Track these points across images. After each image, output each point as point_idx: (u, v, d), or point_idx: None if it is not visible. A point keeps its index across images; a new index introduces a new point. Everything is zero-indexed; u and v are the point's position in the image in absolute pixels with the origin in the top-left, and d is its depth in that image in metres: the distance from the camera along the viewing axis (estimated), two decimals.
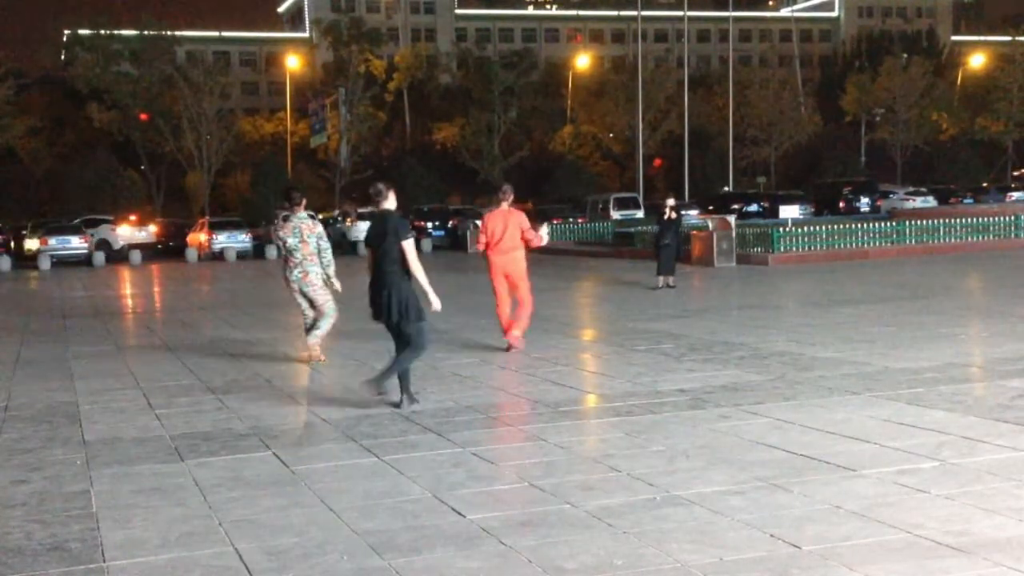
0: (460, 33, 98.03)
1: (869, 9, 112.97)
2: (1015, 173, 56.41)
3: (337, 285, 10.59)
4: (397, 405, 8.00)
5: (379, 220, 7.99)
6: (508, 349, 11.00)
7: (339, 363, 10.61)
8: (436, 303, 8.12)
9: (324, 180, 65.73)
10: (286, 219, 10.57)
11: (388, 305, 7.79)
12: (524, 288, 11.18)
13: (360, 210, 45.12)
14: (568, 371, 9.68)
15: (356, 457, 6.56)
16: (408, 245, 7.86)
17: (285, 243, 10.45)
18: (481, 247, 11.20)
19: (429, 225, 41.77)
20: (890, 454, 6.15)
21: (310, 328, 10.68)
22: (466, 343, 11.66)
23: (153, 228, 45.66)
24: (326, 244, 10.63)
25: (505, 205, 11.05)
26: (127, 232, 43.11)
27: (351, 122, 62.46)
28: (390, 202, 8.01)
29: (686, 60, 57.16)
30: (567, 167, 66.00)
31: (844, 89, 73.26)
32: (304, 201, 10.66)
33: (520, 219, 11.09)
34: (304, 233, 10.41)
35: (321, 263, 10.50)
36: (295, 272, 10.47)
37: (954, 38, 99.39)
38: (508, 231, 10.94)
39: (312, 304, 10.57)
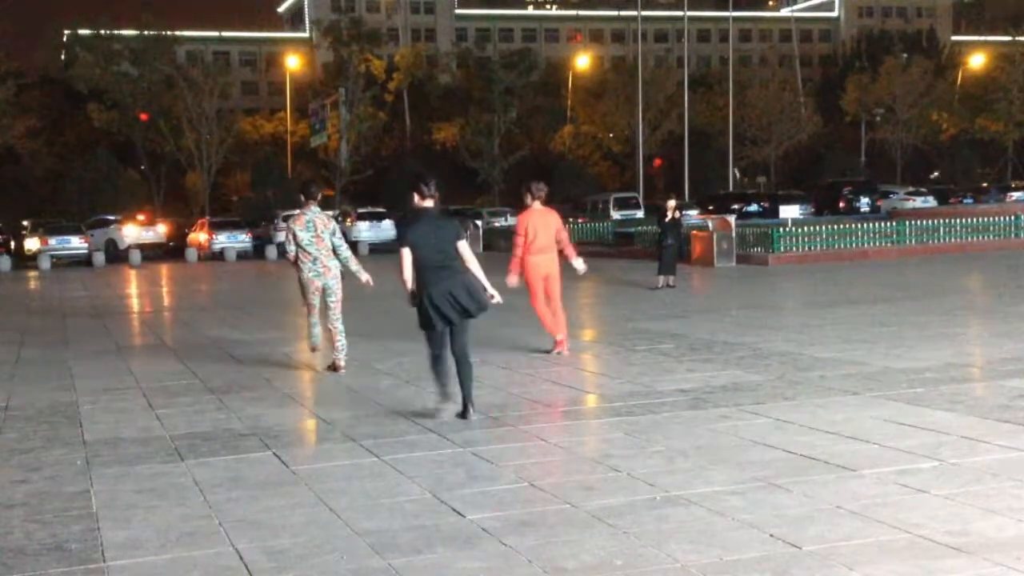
0: (460, 33, 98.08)
1: (869, 9, 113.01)
2: (1013, 185, 56.36)
3: (365, 277, 9.94)
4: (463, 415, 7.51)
5: (431, 217, 7.37)
6: (556, 351, 10.65)
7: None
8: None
9: (324, 180, 65.71)
10: (298, 213, 10.04)
11: (465, 304, 7.26)
12: (559, 291, 10.81)
13: (360, 210, 45.15)
14: (568, 371, 9.68)
15: (356, 457, 6.56)
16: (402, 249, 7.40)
17: (296, 236, 9.85)
18: (521, 252, 10.50)
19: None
20: (890, 454, 6.15)
21: (315, 334, 10.26)
22: None
23: (163, 228, 45.48)
24: (340, 239, 10.09)
25: (538, 204, 10.57)
26: (134, 232, 42.96)
27: (351, 122, 62.42)
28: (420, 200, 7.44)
29: (686, 60, 57.17)
30: (567, 167, 65.97)
31: (844, 89, 73.23)
32: (320, 196, 10.15)
33: (557, 219, 10.78)
34: (318, 228, 9.89)
35: (339, 259, 10.01)
36: (315, 267, 9.92)
37: (954, 38, 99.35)
38: (547, 231, 10.54)
39: (326, 300, 10.04)
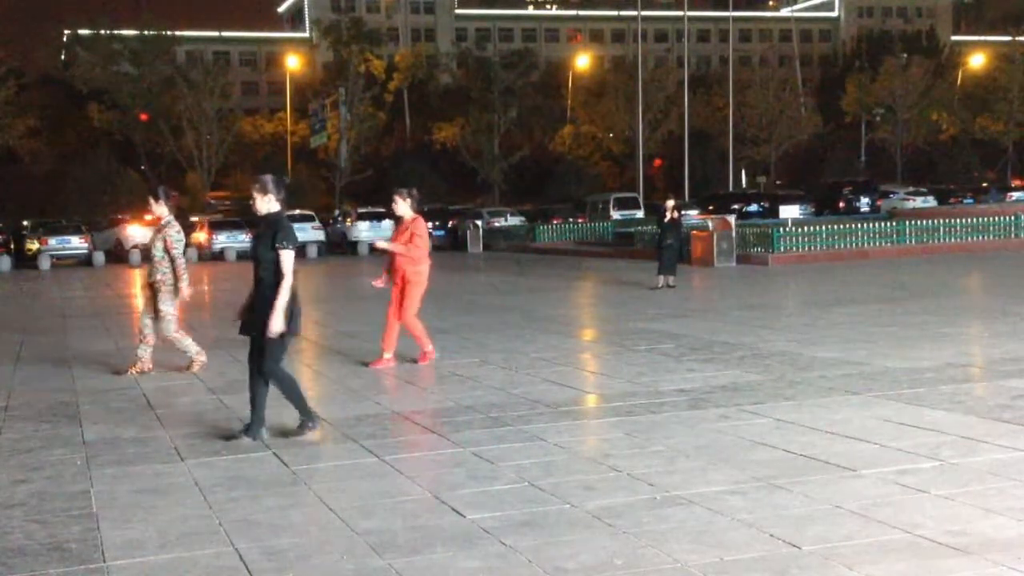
0: (460, 33, 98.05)
1: (869, 9, 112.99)
2: (1016, 183, 56.54)
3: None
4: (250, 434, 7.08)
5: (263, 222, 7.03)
6: (418, 361, 10.22)
7: (339, 363, 10.61)
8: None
9: (324, 180, 65.75)
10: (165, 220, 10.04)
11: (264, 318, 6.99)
12: None
13: (360, 210, 45.13)
14: (568, 371, 9.68)
15: (356, 457, 6.56)
16: (289, 254, 6.90)
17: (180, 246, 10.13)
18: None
19: (429, 225, 41.76)
20: (890, 454, 6.15)
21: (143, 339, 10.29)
22: (465, 344, 11.65)
23: None
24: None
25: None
26: (140, 232, 42.76)
27: (351, 122, 62.44)
28: (270, 203, 7.01)
29: (686, 60, 57.12)
30: (567, 167, 66.03)
31: (844, 89, 73.27)
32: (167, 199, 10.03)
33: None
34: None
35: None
36: (178, 279, 10.21)
37: (954, 38, 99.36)
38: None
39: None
